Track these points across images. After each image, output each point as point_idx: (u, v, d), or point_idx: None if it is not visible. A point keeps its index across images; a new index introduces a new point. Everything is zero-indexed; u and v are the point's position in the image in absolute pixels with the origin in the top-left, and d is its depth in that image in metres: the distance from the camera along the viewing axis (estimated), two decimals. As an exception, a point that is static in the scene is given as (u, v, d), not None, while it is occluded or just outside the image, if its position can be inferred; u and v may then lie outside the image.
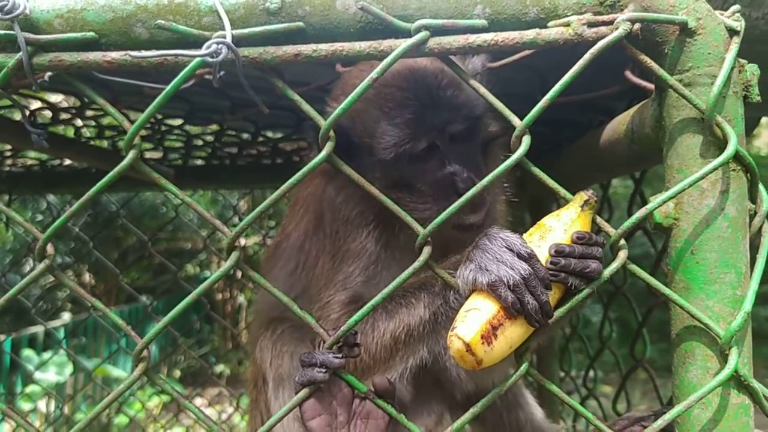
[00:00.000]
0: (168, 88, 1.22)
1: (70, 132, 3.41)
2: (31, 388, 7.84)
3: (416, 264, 1.27)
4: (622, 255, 1.27)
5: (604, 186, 3.10)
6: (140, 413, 7.56)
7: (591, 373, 3.33)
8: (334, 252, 1.84)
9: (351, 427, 1.44)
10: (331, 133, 1.28)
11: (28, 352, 9.09)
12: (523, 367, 1.29)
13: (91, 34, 1.27)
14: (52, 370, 8.91)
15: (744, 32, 1.69)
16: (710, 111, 1.23)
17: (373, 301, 1.28)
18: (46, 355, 9.06)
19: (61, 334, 9.85)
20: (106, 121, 3.19)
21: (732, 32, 1.30)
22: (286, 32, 1.27)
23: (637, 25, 1.25)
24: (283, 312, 1.85)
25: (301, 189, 2.05)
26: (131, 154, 1.28)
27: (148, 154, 3.81)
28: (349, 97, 1.26)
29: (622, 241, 1.27)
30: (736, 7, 1.35)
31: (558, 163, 2.26)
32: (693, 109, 1.26)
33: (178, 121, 3.26)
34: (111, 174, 1.28)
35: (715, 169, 1.23)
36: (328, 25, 1.28)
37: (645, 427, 1.66)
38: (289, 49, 1.26)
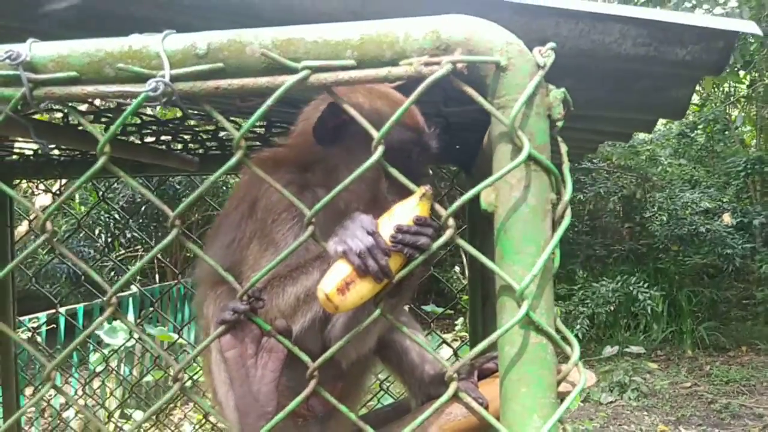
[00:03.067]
0: (122, 116, 1.74)
1: (99, 128, 4.02)
2: (102, 352, 8.50)
3: (302, 238, 1.77)
4: (449, 231, 1.73)
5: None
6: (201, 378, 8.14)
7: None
8: (261, 237, 2.37)
9: (258, 357, 1.97)
10: (242, 143, 1.77)
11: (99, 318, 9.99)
12: (377, 311, 1.77)
13: (74, 73, 1.79)
14: (121, 336, 9.80)
15: (600, 53, 2.13)
16: (511, 127, 1.68)
17: (270, 265, 1.78)
18: (116, 322, 10.00)
19: (130, 303, 10.78)
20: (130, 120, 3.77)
21: (539, 66, 1.73)
22: (211, 71, 1.76)
23: (461, 64, 1.69)
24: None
25: (245, 173, 2.58)
26: (102, 159, 1.80)
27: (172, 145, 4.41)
28: (251, 119, 1.75)
29: (451, 221, 1.73)
30: (551, 44, 1.77)
31: (478, 159, 2.70)
32: (503, 126, 1.71)
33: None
34: (87, 174, 1.81)
35: (512, 169, 1.68)
36: (241, 65, 1.77)
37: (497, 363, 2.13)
38: (211, 84, 1.76)
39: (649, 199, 17.10)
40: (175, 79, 1.75)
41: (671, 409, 12.29)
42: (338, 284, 1.72)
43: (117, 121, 1.77)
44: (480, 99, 1.71)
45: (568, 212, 1.77)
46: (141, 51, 1.79)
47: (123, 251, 12.66)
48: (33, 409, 8.08)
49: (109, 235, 10.82)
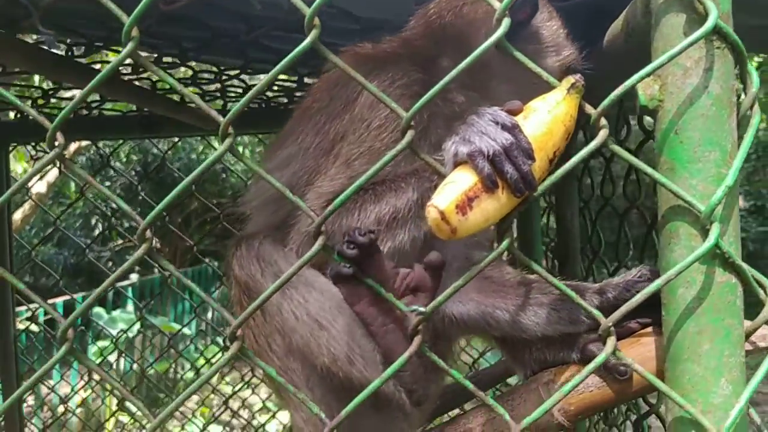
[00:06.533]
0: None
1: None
2: (101, 344, 8.14)
3: (399, 146, 1.31)
4: (602, 133, 1.27)
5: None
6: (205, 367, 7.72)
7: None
8: (356, 143, 1.86)
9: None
10: (316, 21, 1.30)
11: (98, 310, 9.62)
12: (505, 243, 1.31)
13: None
14: (121, 326, 9.40)
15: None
16: (689, -14, 1.23)
17: (357, 183, 1.32)
18: (115, 312, 9.55)
19: (129, 293, 10.36)
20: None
21: None
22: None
23: None
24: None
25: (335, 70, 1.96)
26: (130, 45, 1.34)
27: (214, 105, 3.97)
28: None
29: (603, 121, 1.28)
30: None
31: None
32: (674, -13, 1.26)
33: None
34: (112, 64, 1.36)
35: (693, 43, 1.22)
36: None
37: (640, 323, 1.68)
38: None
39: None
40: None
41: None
42: (458, 199, 1.25)
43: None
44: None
45: (757, 107, 1.31)
46: None
47: (121, 241, 12.15)
48: (32, 402, 7.61)
49: (106, 224, 10.32)
